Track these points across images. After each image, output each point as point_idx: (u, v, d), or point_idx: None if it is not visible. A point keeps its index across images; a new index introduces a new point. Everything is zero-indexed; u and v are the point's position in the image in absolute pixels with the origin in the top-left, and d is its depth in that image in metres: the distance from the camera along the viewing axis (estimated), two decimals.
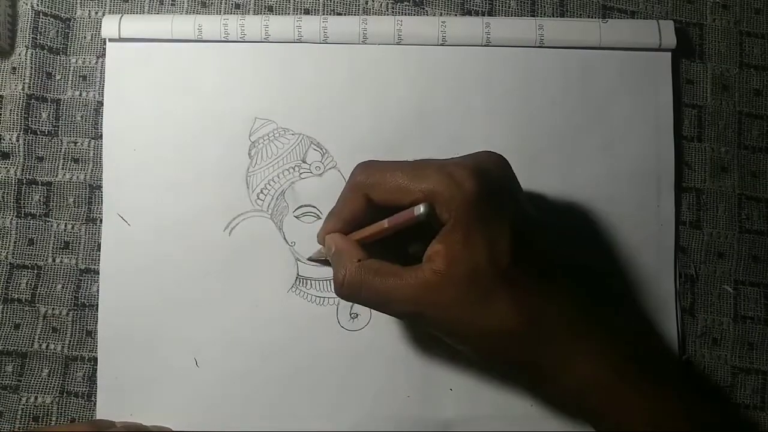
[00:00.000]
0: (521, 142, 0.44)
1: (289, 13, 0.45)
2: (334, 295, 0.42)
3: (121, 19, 0.43)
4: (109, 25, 0.43)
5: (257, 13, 0.45)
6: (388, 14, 0.45)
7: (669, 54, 0.44)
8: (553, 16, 0.45)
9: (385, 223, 0.34)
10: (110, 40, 0.44)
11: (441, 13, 0.45)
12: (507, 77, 0.44)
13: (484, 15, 0.45)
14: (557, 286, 0.34)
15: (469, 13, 0.45)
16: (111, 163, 0.44)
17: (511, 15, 0.45)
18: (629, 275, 0.43)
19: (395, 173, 0.33)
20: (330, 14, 0.45)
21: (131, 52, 0.44)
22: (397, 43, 0.44)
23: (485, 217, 0.32)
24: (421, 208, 0.31)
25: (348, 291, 0.35)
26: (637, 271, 0.43)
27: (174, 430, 0.42)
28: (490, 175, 0.33)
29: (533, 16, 0.45)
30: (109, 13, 0.45)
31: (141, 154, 0.44)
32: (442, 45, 0.44)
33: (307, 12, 0.45)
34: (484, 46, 0.44)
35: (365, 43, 0.44)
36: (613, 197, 0.43)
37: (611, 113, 0.44)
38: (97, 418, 0.42)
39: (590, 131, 0.44)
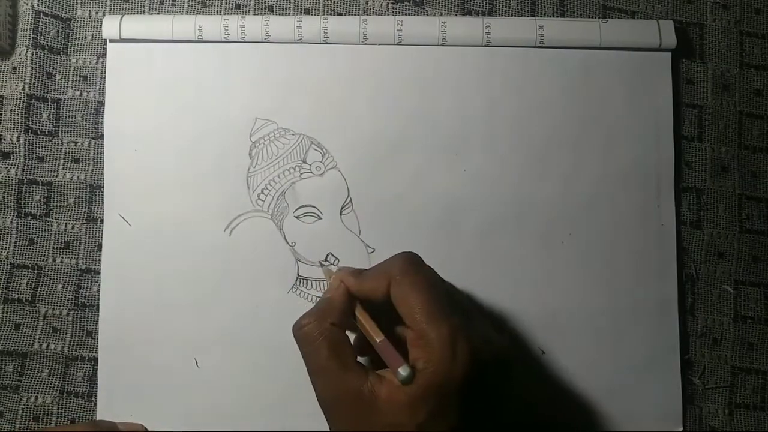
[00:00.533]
0: (521, 142, 0.44)
1: (289, 13, 0.45)
2: None
3: (121, 19, 0.44)
4: (110, 26, 0.44)
5: (257, 13, 0.45)
6: (388, 14, 0.45)
7: (669, 54, 0.44)
8: (553, 16, 0.45)
9: (377, 340, 0.34)
10: (111, 40, 0.44)
11: (441, 13, 0.45)
12: (507, 77, 0.44)
13: (484, 15, 0.45)
14: None
15: (469, 13, 0.45)
16: (112, 163, 0.44)
17: (511, 15, 0.45)
18: (629, 275, 0.43)
19: (420, 297, 0.33)
20: (330, 14, 0.45)
21: (132, 53, 0.44)
22: (398, 43, 0.44)
23: (444, 403, 0.31)
24: (402, 374, 0.31)
25: (298, 338, 0.34)
26: (638, 271, 0.43)
27: (174, 430, 0.42)
28: (485, 371, 0.33)
29: (533, 16, 0.45)
30: (110, 13, 0.45)
31: (142, 155, 0.44)
32: (442, 45, 0.44)
33: (307, 12, 0.45)
34: (485, 46, 0.44)
35: (365, 44, 0.44)
36: (613, 197, 0.43)
37: (611, 113, 0.44)
38: (98, 417, 0.42)
39: (590, 131, 0.44)
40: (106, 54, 0.44)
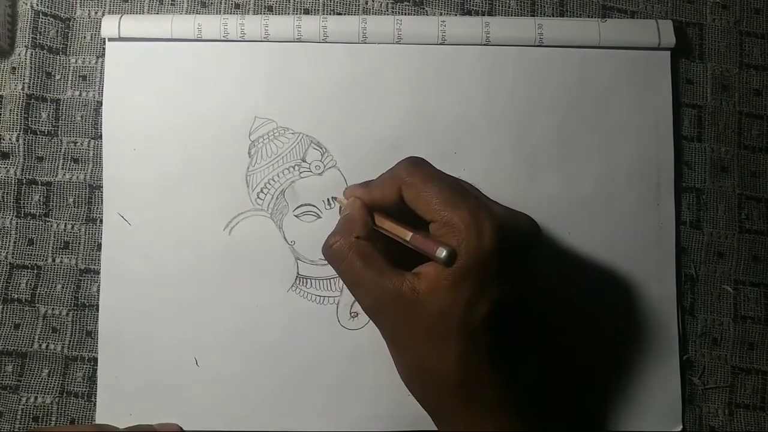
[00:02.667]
0: (521, 142, 0.44)
1: (288, 13, 0.45)
2: (335, 294, 0.43)
3: (120, 19, 0.43)
4: (109, 25, 0.43)
5: (257, 13, 0.45)
6: (388, 14, 0.45)
7: (668, 53, 0.44)
8: (553, 16, 0.45)
9: (407, 237, 0.34)
10: (110, 39, 0.44)
11: (441, 13, 0.45)
12: (507, 77, 0.44)
13: (483, 15, 0.45)
14: (506, 366, 0.34)
15: (468, 12, 0.45)
16: (111, 162, 0.44)
17: (511, 15, 0.45)
18: (630, 275, 0.43)
19: (433, 189, 0.34)
20: (330, 14, 0.45)
21: (131, 52, 0.44)
22: (397, 43, 0.44)
23: (484, 277, 0.33)
24: (444, 253, 0.32)
25: (330, 257, 0.36)
26: (638, 271, 0.43)
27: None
28: (512, 241, 0.34)
29: (533, 15, 0.45)
30: (109, 12, 0.45)
31: (141, 154, 0.44)
32: (442, 44, 0.44)
33: (307, 12, 0.45)
34: (484, 45, 0.44)
35: (365, 43, 0.44)
36: (612, 197, 0.43)
37: (611, 112, 0.44)
38: (97, 417, 0.42)
39: (590, 130, 0.44)
40: (105, 54, 0.44)
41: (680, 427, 0.42)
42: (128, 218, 0.43)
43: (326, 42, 0.44)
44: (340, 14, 0.45)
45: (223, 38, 0.44)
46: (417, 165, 0.36)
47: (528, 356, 0.41)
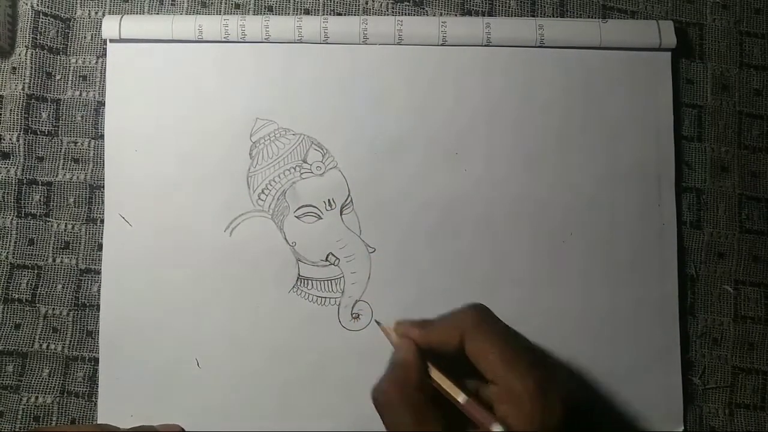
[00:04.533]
0: (521, 142, 0.44)
1: (289, 13, 0.45)
2: (336, 295, 0.43)
3: (121, 19, 0.43)
4: (110, 26, 0.43)
5: (257, 13, 0.45)
6: (388, 14, 0.45)
7: (669, 54, 0.44)
8: (553, 16, 0.45)
9: (460, 401, 0.32)
10: (111, 40, 0.44)
11: (441, 13, 0.45)
12: (507, 77, 0.44)
13: (484, 15, 0.45)
14: None
15: (469, 13, 0.45)
16: (112, 163, 0.44)
17: (511, 15, 0.45)
18: (630, 275, 0.43)
19: (499, 348, 0.32)
20: (330, 14, 0.45)
21: (132, 53, 0.44)
22: (398, 43, 0.44)
23: None
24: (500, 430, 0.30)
25: (380, 405, 0.33)
26: (639, 270, 0.43)
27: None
28: (574, 419, 0.32)
29: (533, 16, 0.45)
30: (109, 13, 0.45)
31: (142, 155, 0.43)
32: (442, 45, 0.44)
33: (307, 12, 0.45)
34: (485, 46, 0.44)
35: (366, 43, 0.44)
36: (613, 197, 0.43)
37: (611, 113, 0.44)
38: (98, 417, 0.42)
39: (590, 131, 0.44)
40: (106, 54, 0.44)
41: (682, 428, 0.42)
42: (129, 219, 0.43)
43: (327, 43, 0.44)
44: (340, 14, 0.45)
45: (224, 39, 0.44)
46: (485, 316, 0.34)
47: None
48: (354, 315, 0.43)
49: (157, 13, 0.45)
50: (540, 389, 0.31)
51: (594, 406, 0.35)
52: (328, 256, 0.43)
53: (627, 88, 0.44)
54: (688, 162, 0.45)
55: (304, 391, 0.42)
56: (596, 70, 0.44)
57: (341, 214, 0.43)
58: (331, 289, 0.43)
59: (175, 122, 0.44)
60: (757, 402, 0.43)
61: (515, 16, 0.45)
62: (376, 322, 0.40)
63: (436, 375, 0.34)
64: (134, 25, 0.44)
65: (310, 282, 0.43)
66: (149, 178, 0.43)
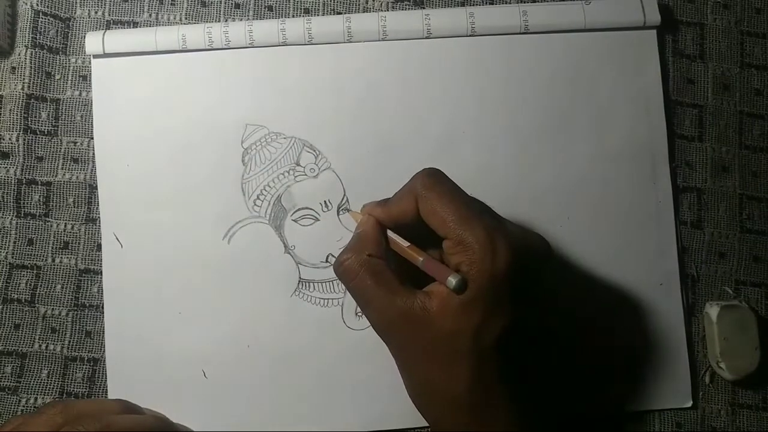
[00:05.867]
0: (512, 130, 0.44)
1: (289, 13, 0.45)
2: (339, 296, 0.43)
3: (104, 35, 0.43)
4: (93, 42, 0.43)
5: (257, 14, 0.45)
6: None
7: (654, 31, 0.44)
8: (537, 2, 0.45)
9: (419, 261, 0.34)
10: (95, 56, 0.44)
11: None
12: (494, 66, 0.44)
13: (466, 5, 0.45)
14: (517, 387, 0.34)
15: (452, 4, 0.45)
16: (105, 180, 0.43)
17: (495, 3, 0.45)
18: (629, 255, 0.43)
19: (448, 205, 0.33)
20: (330, 14, 0.45)
21: (117, 67, 0.44)
22: (383, 39, 0.44)
23: (496, 300, 0.32)
24: (453, 282, 0.32)
25: (340, 274, 0.35)
26: (638, 249, 0.43)
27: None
28: (526, 262, 0.33)
29: (517, 2, 0.45)
30: (109, 13, 0.45)
31: (134, 170, 0.43)
32: (427, 38, 0.44)
33: (307, 12, 0.45)
34: (470, 36, 0.44)
35: (350, 42, 0.44)
36: (608, 177, 0.43)
37: (601, 94, 0.44)
38: None
39: (581, 113, 0.44)
40: (91, 71, 0.44)
41: (690, 403, 0.42)
42: (125, 235, 0.43)
43: (312, 44, 0.44)
44: (340, 14, 0.45)
45: (207, 47, 0.43)
46: (434, 177, 0.35)
47: (541, 375, 0.41)
48: (358, 314, 0.43)
49: (157, 14, 0.45)
50: (488, 236, 0.32)
51: (549, 250, 0.37)
52: (328, 257, 0.43)
53: (614, 69, 0.44)
54: (689, 162, 0.45)
55: (310, 391, 0.42)
56: (583, 53, 0.44)
57: (338, 215, 0.43)
58: (333, 290, 0.43)
59: (165, 134, 0.43)
60: (759, 402, 0.43)
61: (498, 4, 0.45)
62: (346, 210, 0.42)
63: (394, 243, 0.36)
64: (118, 39, 0.43)
65: (311, 284, 0.43)
66: (143, 192, 0.43)
